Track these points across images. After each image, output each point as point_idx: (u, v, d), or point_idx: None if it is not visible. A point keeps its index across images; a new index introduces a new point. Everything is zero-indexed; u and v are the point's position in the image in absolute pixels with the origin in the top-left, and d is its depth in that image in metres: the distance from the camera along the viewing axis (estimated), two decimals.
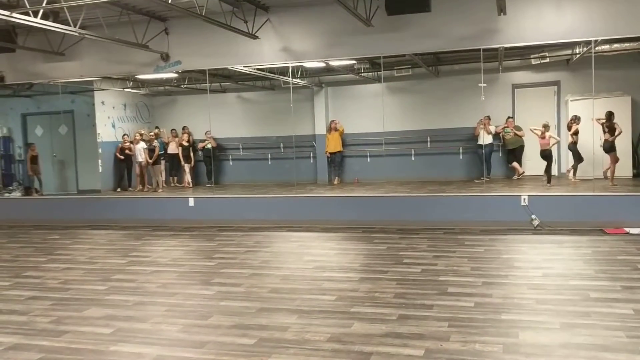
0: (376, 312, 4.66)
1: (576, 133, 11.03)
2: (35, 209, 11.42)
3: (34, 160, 13.32)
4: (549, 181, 10.93)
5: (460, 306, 4.71)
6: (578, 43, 10.20)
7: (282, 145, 14.25)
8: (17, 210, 11.51)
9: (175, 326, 4.52)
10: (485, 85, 9.78)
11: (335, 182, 14.01)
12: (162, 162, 14.10)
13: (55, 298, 5.50)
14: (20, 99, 13.94)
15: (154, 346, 4.10)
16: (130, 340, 4.25)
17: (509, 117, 12.54)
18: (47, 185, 13.74)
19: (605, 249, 6.83)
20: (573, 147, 11.11)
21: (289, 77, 11.36)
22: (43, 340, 4.30)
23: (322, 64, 11.39)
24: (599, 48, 9.57)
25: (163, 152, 14.15)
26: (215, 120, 13.24)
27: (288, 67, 10.93)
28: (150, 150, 13.51)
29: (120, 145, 13.74)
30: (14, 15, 7.39)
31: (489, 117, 12.24)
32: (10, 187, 13.30)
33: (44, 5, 7.45)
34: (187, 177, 14.40)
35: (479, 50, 9.14)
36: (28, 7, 7.39)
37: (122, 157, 13.65)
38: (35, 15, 7.67)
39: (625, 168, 11.22)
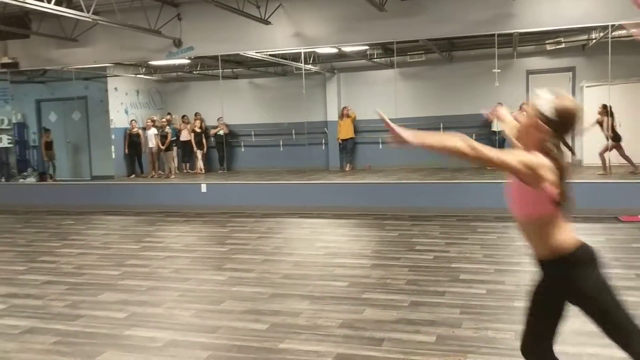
0: (388, 298, 4.66)
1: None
2: (50, 195, 11.52)
3: (49, 146, 13.42)
4: None
5: (472, 293, 4.70)
6: (594, 28, 10.05)
7: (294, 132, 14.23)
8: (32, 195, 11.61)
9: (188, 311, 4.56)
10: (499, 71, 9.69)
11: (347, 168, 13.99)
12: (175, 148, 14.15)
13: (70, 283, 5.57)
14: (34, 85, 14.01)
15: (167, 331, 4.14)
16: (144, 324, 4.29)
17: (523, 103, 12.41)
18: (61, 171, 13.84)
19: (620, 236, 6.78)
20: None
21: (301, 63, 11.31)
22: (58, 324, 4.36)
23: (335, 50, 11.33)
24: (615, 33, 9.42)
25: (175, 138, 14.19)
26: (228, 106, 13.23)
27: (300, 52, 10.88)
28: (162, 137, 13.56)
29: (128, 131, 13.77)
30: (28, 1, 7.41)
31: (501, 105, 12.10)
32: (25, 173, 13.41)
33: None
34: (200, 164, 14.45)
35: (494, 35, 9.04)
36: None
37: (128, 146, 13.66)
38: (49, 1, 7.68)
39: None
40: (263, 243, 7.17)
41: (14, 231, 8.78)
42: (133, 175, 13.73)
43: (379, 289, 4.95)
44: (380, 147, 13.71)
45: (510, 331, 3.83)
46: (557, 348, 3.53)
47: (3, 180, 12.75)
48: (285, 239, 7.53)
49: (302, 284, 5.19)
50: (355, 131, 13.99)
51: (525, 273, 5.31)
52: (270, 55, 11.35)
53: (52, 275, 5.88)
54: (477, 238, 6.94)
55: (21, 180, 12.92)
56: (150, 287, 5.30)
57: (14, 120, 13.63)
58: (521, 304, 4.39)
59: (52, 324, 4.35)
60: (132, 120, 13.87)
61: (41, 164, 13.74)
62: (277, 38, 9.70)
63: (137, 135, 13.68)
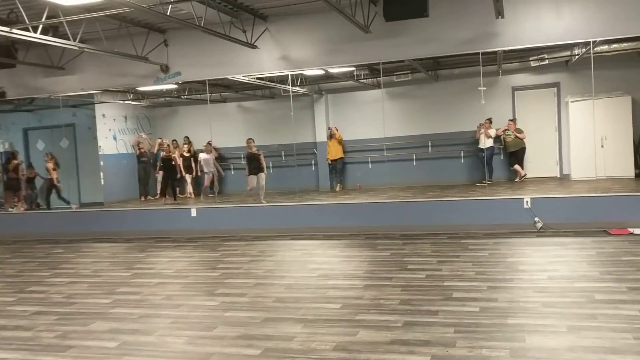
0: (381, 319, 4.64)
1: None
2: (39, 223, 11.42)
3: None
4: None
5: (465, 311, 4.69)
6: (577, 44, 10.21)
7: (283, 154, 14.25)
8: (20, 224, 11.51)
9: (181, 338, 4.51)
10: (485, 88, 9.79)
11: (338, 188, 14.01)
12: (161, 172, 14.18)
13: (60, 312, 5.50)
14: (21, 113, 13.99)
15: (160, 359, 4.09)
16: (136, 353, 4.24)
17: (510, 120, 12.55)
18: (50, 198, 13.77)
19: (610, 250, 6.81)
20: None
21: (289, 85, 11.38)
22: (48, 355, 4.29)
23: (322, 72, 11.40)
24: (597, 48, 9.58)
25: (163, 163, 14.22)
26: (216, 130, 13.25)
27: (288, 75, 10.95)
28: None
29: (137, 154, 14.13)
30: (14, 31, 7.43)
31: (490, 120, 12.21)
32: (14, 202, 13.31)
33: (43, 20, 7.49)
34: (189, 188, 14.41)
35: (478, 53, 9.15)
36: (27, 22, 7.43)
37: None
38: (35, 31, 7.70)
39: (627, 168, 11.20)
40: (255, 267, 7.14)
41: (3, 261, 8.68)
42: (142, 199, 13.94)
43: (372, 310, 4.93)
44: (370, 166, 13.77)
45: (504, 349, 3.82)
46: None
47: None
48: (277, 262, 7.50)
49: (295, 307, 5.16)
50: (345, 151, 14.04)
51: (518, 289, 5.32)
52: (257, 78, 11.40)
53: (41, 306, 5.81)
54: (468, 255, 6.95)
55: (10, 209, 12.82)
56: (142, 315, 5.25)
57: (1, 149, 13.57)
58: (515, 321, 4.40)
59: (42, 356, 4.29)
60: (138, 143, 14.10)
61: (29, 193, 13.67)
62: (264, 61, 9.76)
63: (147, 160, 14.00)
